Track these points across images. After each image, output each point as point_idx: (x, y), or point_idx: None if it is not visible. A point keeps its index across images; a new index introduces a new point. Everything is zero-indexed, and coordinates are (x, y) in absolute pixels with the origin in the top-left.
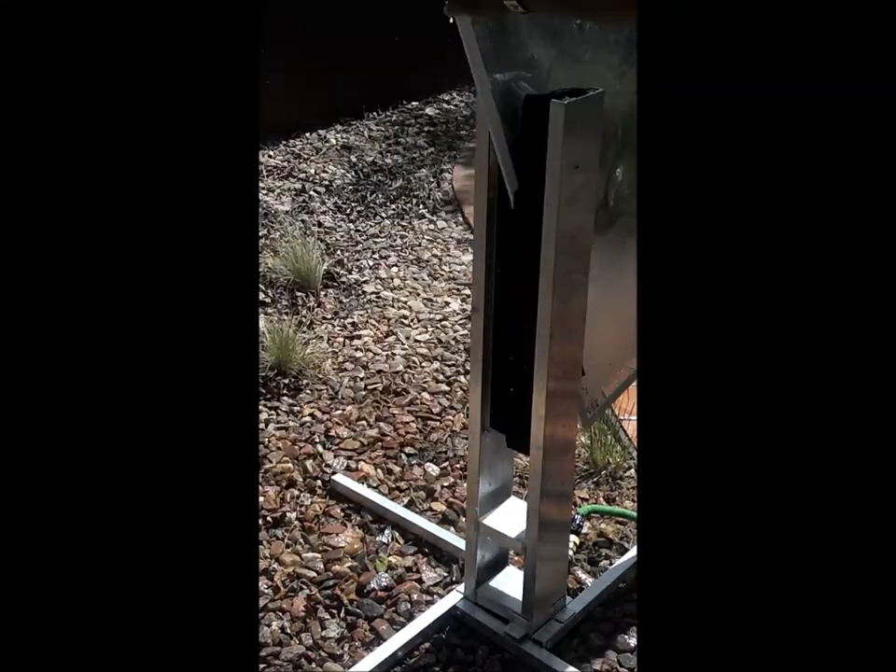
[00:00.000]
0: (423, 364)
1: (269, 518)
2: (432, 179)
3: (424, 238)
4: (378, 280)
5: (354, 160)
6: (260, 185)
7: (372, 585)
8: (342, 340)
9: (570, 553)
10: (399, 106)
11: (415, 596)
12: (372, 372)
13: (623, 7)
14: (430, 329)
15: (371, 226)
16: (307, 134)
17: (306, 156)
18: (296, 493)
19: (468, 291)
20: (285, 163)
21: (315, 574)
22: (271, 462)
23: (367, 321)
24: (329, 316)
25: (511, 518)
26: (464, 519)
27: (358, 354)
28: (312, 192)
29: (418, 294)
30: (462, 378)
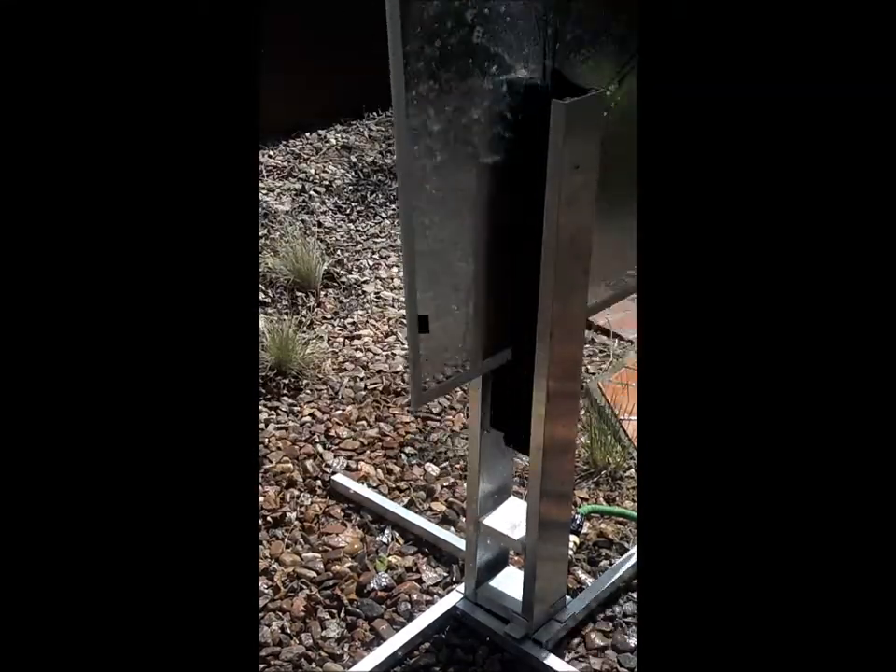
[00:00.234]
0: None
1: (269, 518)
2: None
3: None
4: (378, 280)
5: (354, 160)
6: (260, 185)
7: (372, 585)
8: (342, 340)
9: (570, 553)
10: None
11: (415, 596)
12: (372, 372)
13: None
14: None
15: (370, 226)
16: (307, 134)
17: (306, 156)
18: (296, 493)
19: None
20: (285, 163)
21: (315, 574)
22: (271, 462)
23: (367, 321)
24: (328, 316)
25: (511, 518)
26: (464, 519)
27: (358, 354)
28: (312, 192)
29: None
30: None
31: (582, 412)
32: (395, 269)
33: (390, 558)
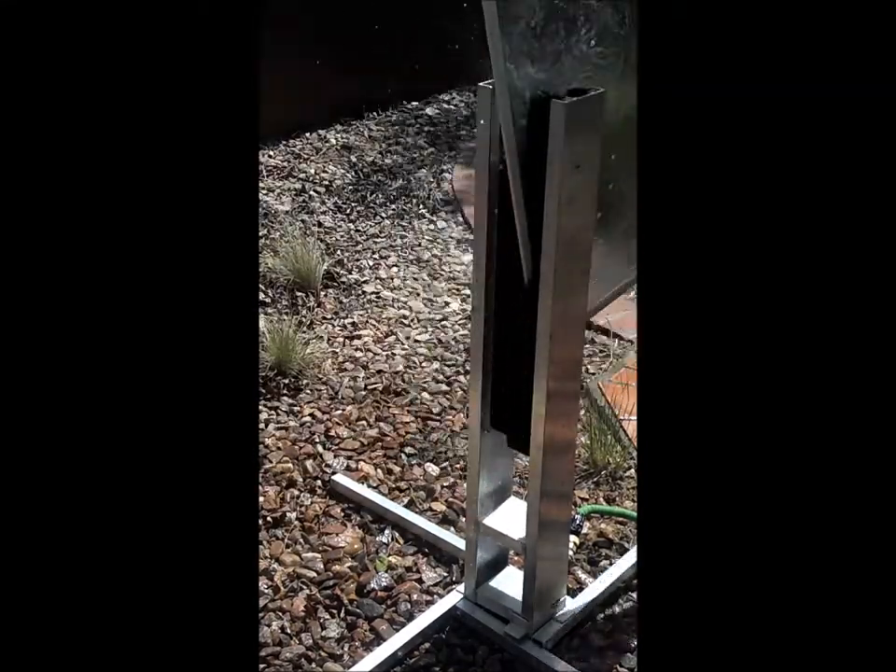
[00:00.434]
0: (423, 364)
1: (269, 518)
2: (432, 179)
3: (424, 238)
4: (378, 280)
5: (354, 160)
6: (260, 185)
7: (372, 585)
8: (342, 340)
9: (570, 553)
10: (399, 106)
11: (415, 596)
12: (372, 372)
13: None
14: (430, 329)
15: (371, 226)
16: (307, 134)
17: (306, 156)
18: (296, 493)
19: (468, 291)
20: (285, 163)
21: (315, 574)
22: (271, 462)
23: (367, 321)
24: (329, 316)
25: (511, 518)
26: (464, 519)
27: (358, 354)
28: (312, 192)
29: (418, 294)
30: (462, 378)
31: (582, 412)
32: (395, 269)
33: (390, 558)
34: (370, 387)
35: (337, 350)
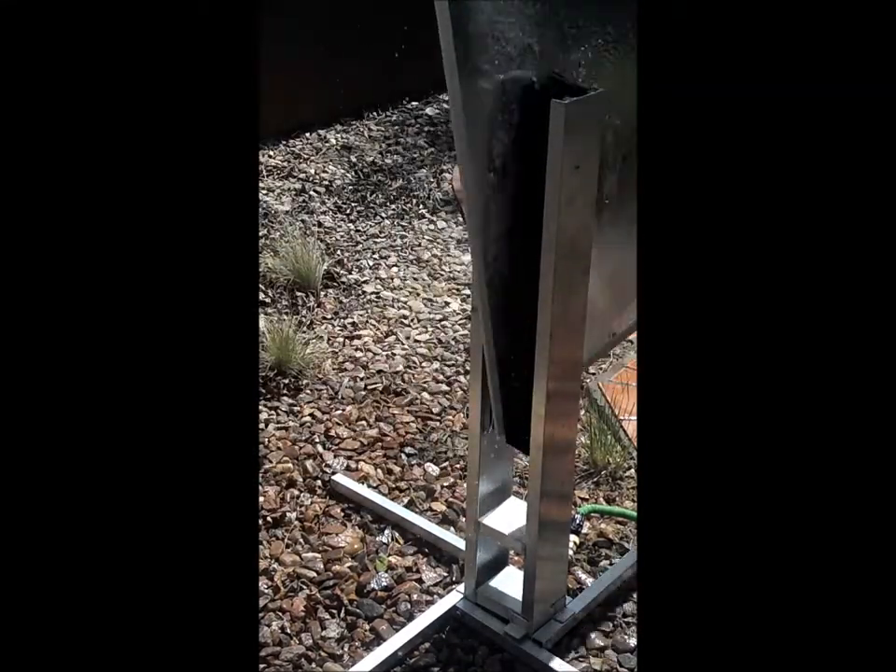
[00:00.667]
0: (423, 364)
1: (269, 518)
2: (432, 179)
3: (424, 238)
4: (378, 280)
5: (354, 160)
6: (260, 185)
7: (372, 585)
8: (342, 340)
9: (570, 553)
10: (399, 106)
11: (415, 596)
12: (372, 372)
13: None
14: (430, 329)
15: (371, 226)
16: (307, 134)
17: (306, 156)
18: (296, 493)
19: (468, 291)
20: (285, 163)
21: (315, 574)
22: (271, 462)
23: (367, 321)
24: (329, 316)
25: (510, 518)
26: (464, 519)
27: (358, 354)
28: (312, 192)
29: (418, 294)
30: (462, 378)
31: (582, 412)
32: (395, 269)
33: (390, 558)
34: (370, 387)
35: (337, 350)
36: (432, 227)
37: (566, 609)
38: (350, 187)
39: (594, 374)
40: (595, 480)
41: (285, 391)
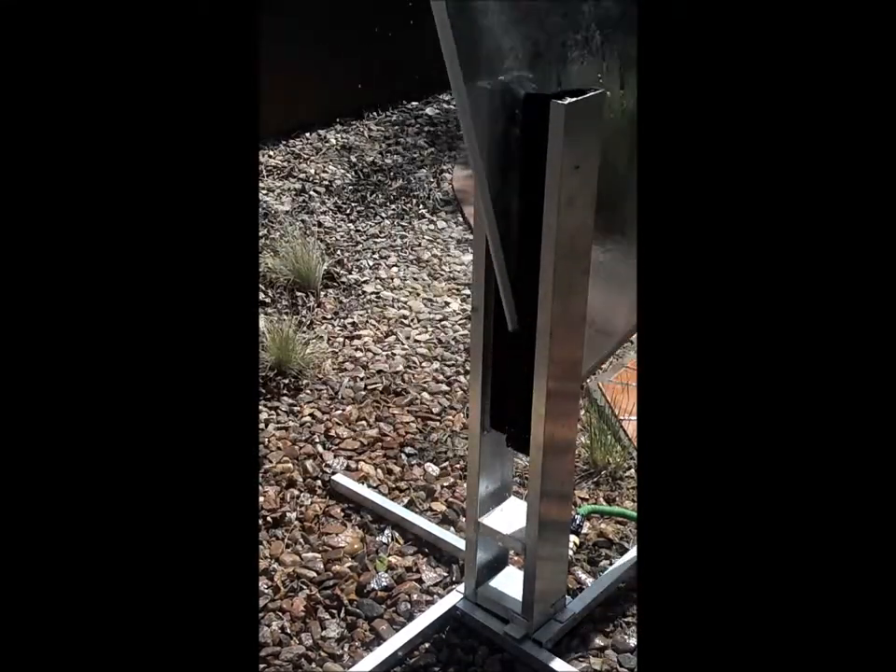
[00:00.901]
0: (423, 364)
1: (269, 518)
2: (432, 179)
3: (424, 238)
4: (378, 280)
5: (354, 160)
6: (260, 185)
7: (372, 585)
8: (342, 340)
9: (570, 553)
10: (399, 106)
11: (415, 596)
12: (372, 372)
13: None
14: (430, 329)
15: (371, 226)
16: (307, 134)
17: (306, 156)
18: (296, 493)
19: (468, 291)
20: (285, 163)
21: (315, 574)
22: (271, 462)
23: (367, 321)
24: (329, 316)
25: (510, 518)
26: (464, 519)
27: (358, 354)
28: (312, 192)
29: (418, 294)
30: (462, 378)
31: (582, 412)
32: (395, 269)
33: (390, 558)
34: (370, 387)
35: (337, 350)
36: (432, 227)
37: (566, 609)
38: (350, 187)
39: (593, 374)
40: (595, 480)
41: (285, 391)
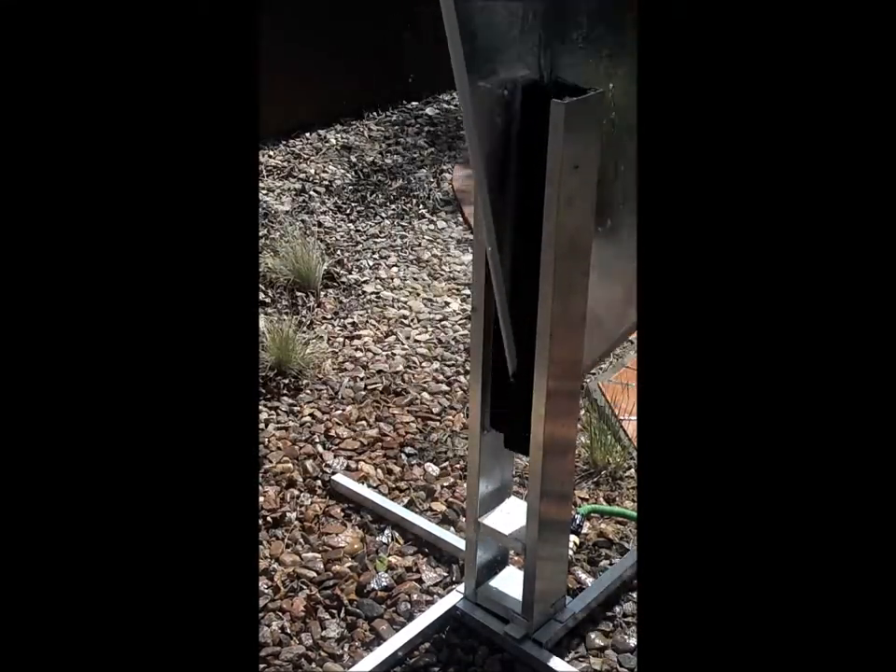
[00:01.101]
0: (423, 364)
1: (269, 518)
2: (432, 179)
3: (424, 238)
4: (378, 280)
5: (354, 160)
6: (260, 185)
7: (372, 585)
8: (342, 340)
9: (570, 553)
10: (399, 106)
11: (415, 596)
12: (372, 372)
13: None
14: (430, 329)
15: (371, 226)
16: (307, 134)
17: (306, 156)
18: (296, 493)
19: (468, 291)
20: (285, 163)
21: (315, 574)
22: (271, 462)
23: (367, 321)
24: (329, 316)
25: (510, 518)
26: (464, 519)
27: (358, 354)
28: (312, 192)
29: (418, 294)
30: (462, 378)
31: (582, 412)
32: (395, 269)
33: (390, 558)
34: (370, 387)
35: (337, 350)
36: (432, 227)
37: (566, 609)
38: (350, 187)
39: (594, 374)
40: (595, 480)
41: (285, 391)
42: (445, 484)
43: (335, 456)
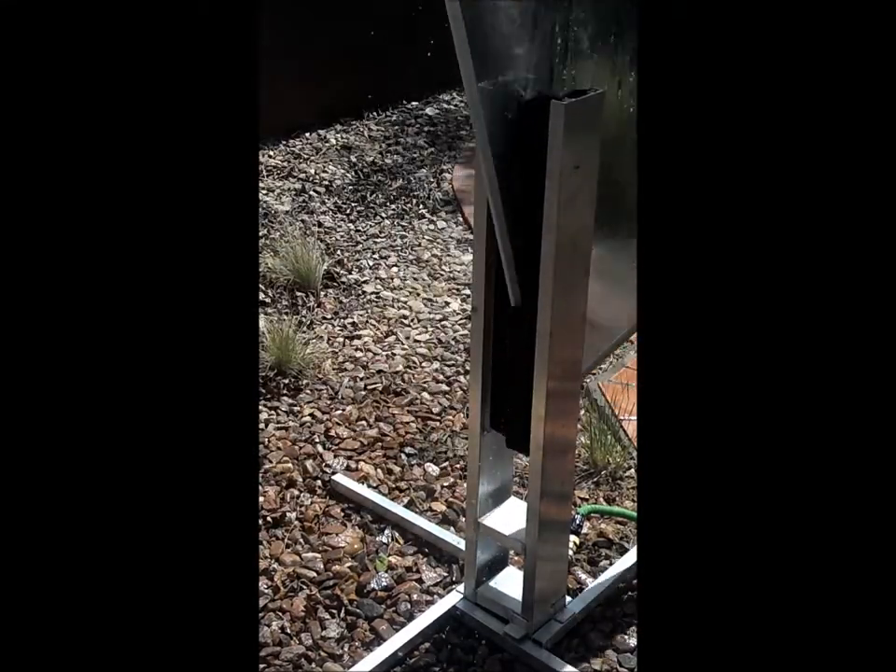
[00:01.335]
0: (423, 364)
1: (269, 518)
2: (432, 179)
3: (424, 238)
4: (378, 280)
5: (354, 160)
6: (260, 185)
7: (372, 585)
8: (342, 340)
9: (570, 553)
10: (399, 106)
11: (415, 596)
12: (372, 372)
13: None
14: (430, 329)
15: (370, 226)
16: (307, 134)
17: (306, 156)
18: (296, 493)
19: (468, 291)
20: (285, 163)
21: (315, 574)
22: (271, 462)
23: (367, 321)
24: (328, 316)
25: (510, 518)
26: (464, 519)
27: (358, 354)
28: (312, 192)
29: (418, 294)
30: (462, 378)
31: (582, 412)
32: (395, 269)
33: (390, 558)
34: (370, 387)
35: (337, 350)
36: (432, 227)
37: (566, 609)
38: (350, 187)
39: (594, 374)
40: (595, 480)
41: (285, 391)
42: (445, 484)
43: (335, 456)
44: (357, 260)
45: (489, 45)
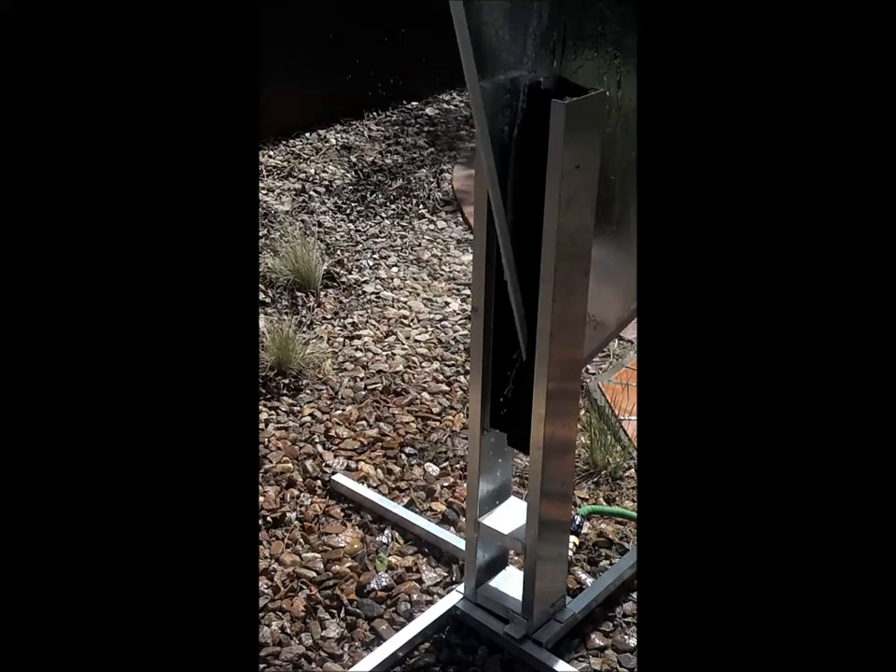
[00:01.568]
0: (423, 364)
1: (269, 518)
2: (432, 179)
3: (424, 238)
4: (378, 280)
5: (354, 160)
6: (260, 185)
7: (372, 585)
8: (341, 340)
9: (570, 553)
10: (399, 106)
11: (415, 596)
12: (372, 372)
13: None
14: (430, 329)
15: (370, 226)
16: (307, 134)
17: (306, 156)
18: (296, 493)
19: (468, 291)
20: (285, 163)
21: (315, 574)
22: (271, 462)
23: (367, 321)
24: (328, 316)
25: (510, 518)
26: (464, 519)
27: (358, 354)
28: (312, 192)
29: (418, 294)
30: (462, 378)
31: (582, 412)
32: (395, 269)
33: (390, 558)
34: (370, 387)
35: (337, 350)
36: (432, 227)
37: (566, 609)
38: (350, 187)
39: (594, 374)
40: (595, 480)
41: (285, 391)
42: (445, 484)
43: (335, 456)
44: (357, 260)
45: (491, 44)
